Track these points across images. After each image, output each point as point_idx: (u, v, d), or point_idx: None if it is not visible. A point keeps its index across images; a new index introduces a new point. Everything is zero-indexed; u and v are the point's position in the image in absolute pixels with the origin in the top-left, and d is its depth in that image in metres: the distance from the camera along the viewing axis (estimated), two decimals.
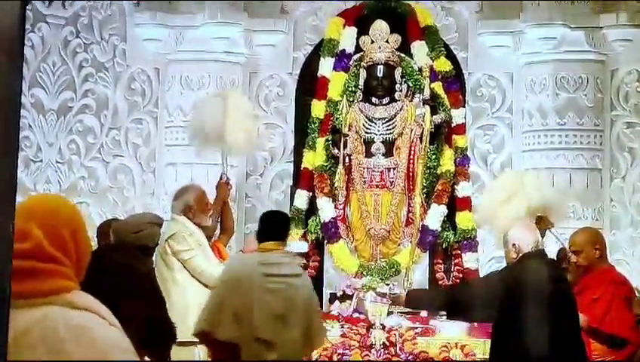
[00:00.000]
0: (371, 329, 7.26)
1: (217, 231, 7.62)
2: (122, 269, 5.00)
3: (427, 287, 8.34)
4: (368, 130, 8.23)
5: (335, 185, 8.19)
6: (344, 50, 8.49)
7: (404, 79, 8.35)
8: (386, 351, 7.16)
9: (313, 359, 7.00)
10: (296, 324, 5.45)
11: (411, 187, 8.12)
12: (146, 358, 4.83)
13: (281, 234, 5.77)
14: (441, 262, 8.29)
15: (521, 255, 5.50)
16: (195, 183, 7.69)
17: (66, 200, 2.38)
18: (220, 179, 7.79)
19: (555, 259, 6.47)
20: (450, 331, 7.49)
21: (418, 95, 8.23)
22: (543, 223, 7.08)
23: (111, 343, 2.13)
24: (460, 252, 8.23)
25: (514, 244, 5.55)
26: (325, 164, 8.29)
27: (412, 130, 8.13)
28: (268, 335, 5.44)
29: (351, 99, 8.33)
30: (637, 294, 6.40)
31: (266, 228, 5.80)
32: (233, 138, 7.72)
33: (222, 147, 7.85)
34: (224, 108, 7.73)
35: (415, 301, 6.54)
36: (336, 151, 8.18)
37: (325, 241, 8.31)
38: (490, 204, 7.24)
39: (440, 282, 8.22)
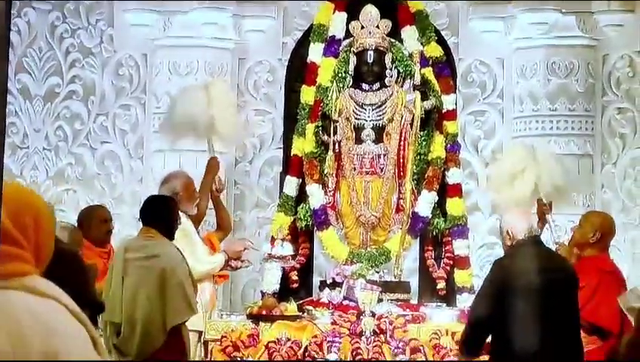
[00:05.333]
0: (361, 317, 7.23)
1: (207, 219, 7.56)
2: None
3: (417, 274, 8.33)
4: (358, 117, 8.18)
5: (325, 172, 8.15)
6: (334, 35, 8.44)
7: (394, 65, 8.29)
8: (377, 339, 7.13)
9: (302, 346, 6.99)
10: (143, 305, 5.71)
11: (401, 173, 8.09)
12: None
13: (146, 219, 6.00)
14: (431, 249, 8.27)
15: (514, 242, 5.45)
16: (183, 170, 7.63)
17: (34, 191, 2.36)
18: (212, 157, 7.70)
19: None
20: (441, 318, 7.47)
21: (408, 81, 8.18)
22: (540, 207, 7.07)
23: (71, 333, 2.11)
24: (450, 239, 8.21)
25: (507, 231, 5.51)
26: (315, 151, 8.24)
27: (402, 116, 8.09)
28: (116, 318, 5.80)
29: (341, 85, 8.27)
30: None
31: (140, 214, 6.09)
32: (218, 128, 7.65)
33: (205, 136, 7.77)
34: (207, 98, 7.67)
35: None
36: (326, 137, 8.13)
37: (315, 228, 8.27)
38: (499, 175, 7.15)
39: (430, 269, 8.20)
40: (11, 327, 2.05)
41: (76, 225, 6.96)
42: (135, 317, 5.75)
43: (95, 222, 7.08)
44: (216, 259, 7.07)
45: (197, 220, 7.19)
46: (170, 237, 6.00)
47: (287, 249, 7.75)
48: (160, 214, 6.01)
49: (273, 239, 8.19)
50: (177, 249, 5.97)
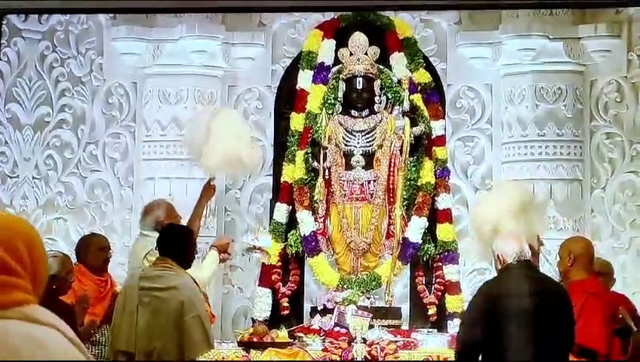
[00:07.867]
0: (352, 343, 7.22)
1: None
2: None
3: (408, 300, 8.32)
4: (348, 143, 8.20)
5: (315, 198, 8.15)
6: (323, 62, 8.47)
7: (383, 91, 8.33)
8: None
9: None
10: (160, 336, 5.64)
11: (392, 199, 8.09)
12: None
13: (163, 249, 5.89)
14: (422, 274, 8.26)
15: (504, 266, 5.45)
16: (161, 198, 7.58)
17: (23, 219, 2.38)
18: (208, 181, 7.67)
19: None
20: (432, 344, 7.46)
21: (398, 107, 8.22)
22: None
23: (71, 359, 2.10)
24: (441, 264, 8.21)
25: (498, 255, 5.50)
26: (305, 177, 8.25)
27: (392, 142, 8.11)
28: (131, 348, 5.73)
29: (330, 112, 8.30)
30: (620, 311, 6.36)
31: (157, 243, 5.99)
32: (216, 158, 7.60)
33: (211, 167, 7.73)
34: (210, 127, 7.62)
35: None
36: (315, 164, 8.15)
37: (305, 255, 8.26)
38: (498, 213, 6.93)
39: (421, 295, 8.19)
40: (11, 356, 2.05)
41: (74, 253, 6.98)
42: (150, 348, 5.68)
43: (92, 250, 7.07)
44: (212, 258, 6.99)
45: None
46: (187, 267, 5.94)
47: (267, 241, 7.67)
48: (177, 244, 5.93)
49: (263, 265, 8.20)
50: (193, 280, 5.92)
